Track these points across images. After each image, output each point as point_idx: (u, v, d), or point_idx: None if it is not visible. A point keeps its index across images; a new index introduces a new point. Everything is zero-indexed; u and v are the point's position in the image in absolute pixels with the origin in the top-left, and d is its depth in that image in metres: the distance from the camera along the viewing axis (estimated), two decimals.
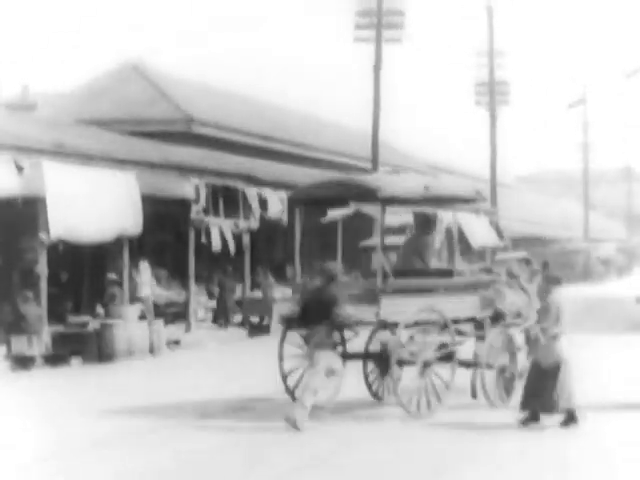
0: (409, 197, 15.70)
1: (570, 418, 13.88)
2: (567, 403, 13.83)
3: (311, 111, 49.72)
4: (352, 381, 15.48)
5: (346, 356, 15.37)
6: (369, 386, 16.16)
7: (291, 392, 15.24)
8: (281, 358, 15.37)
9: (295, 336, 15.10)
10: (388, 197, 15.26)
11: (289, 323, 15.49)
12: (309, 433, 13.76)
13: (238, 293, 29.90)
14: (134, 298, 24.89)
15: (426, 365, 14.81)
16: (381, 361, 15.64)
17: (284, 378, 15.35)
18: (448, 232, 42.49)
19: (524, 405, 14.04)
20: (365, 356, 15.97)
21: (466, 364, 15.47)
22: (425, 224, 16.75)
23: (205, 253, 27.52)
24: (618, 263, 72.69)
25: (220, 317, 28.64)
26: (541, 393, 13.83)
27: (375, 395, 16.15)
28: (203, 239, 26.61)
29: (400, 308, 14.69)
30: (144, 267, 25.50)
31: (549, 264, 25.11)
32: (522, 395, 14.10)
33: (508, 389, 15.55)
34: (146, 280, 25.39)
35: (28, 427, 14.38)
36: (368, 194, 15.21)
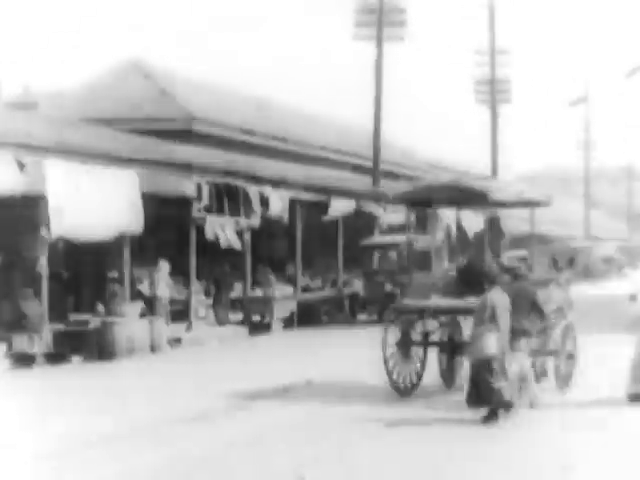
0: (510, 201, 17.80)
1: (493, 414, 14.07)
2: (499, 398, 14.06)
3: (313, 109, 49.73)
4: None
5: (429, 345, 17.02)
6: (444, 372, 17.36)
7: (390, 375, 16.34)
8: (385, 345, 16.41)
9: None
10: (496, 201, 17.22)
11: (399, 314, 16.88)
12: (310, 432, 13.81)
13: (238, 291, 29.91)
14: (154, 297, 25.40)
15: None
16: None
17: (386, 362, 16.35)
18: (449, 230, 42.78)
19: (468, 402, 14.32)
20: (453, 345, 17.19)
21: (549, 352, 16.30)
22: (491, 224, 18.50)
23: (206, 251, 27.53)
24: (619, 262, 72.71)
25: (216, 314, 28.73)
26: (480, 388, 14.11)
27: (446, 381, 17.31)
28: (209, 235, 26.63)
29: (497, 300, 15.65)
30: (163, 266, 25.77)
31: (575, 260, 25.58)
32: (466, 392, 14.44)
33: (570, 373, 16.44)
34: (164, 279, 25.73)
35: (29, 425, 14.38)
36: (478, 197, 17.09)
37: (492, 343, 14.11)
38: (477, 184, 17.66)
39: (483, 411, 14.20)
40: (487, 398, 14.13)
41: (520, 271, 16.17)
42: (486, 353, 14.11)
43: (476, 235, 18.73)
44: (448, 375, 17.36)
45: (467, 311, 15.90)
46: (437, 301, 16.75)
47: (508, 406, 14.23)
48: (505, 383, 14.14)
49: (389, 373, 16.43)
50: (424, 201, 18.76)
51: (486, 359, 14.10)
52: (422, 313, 16.82)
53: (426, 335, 17.07)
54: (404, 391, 16.53)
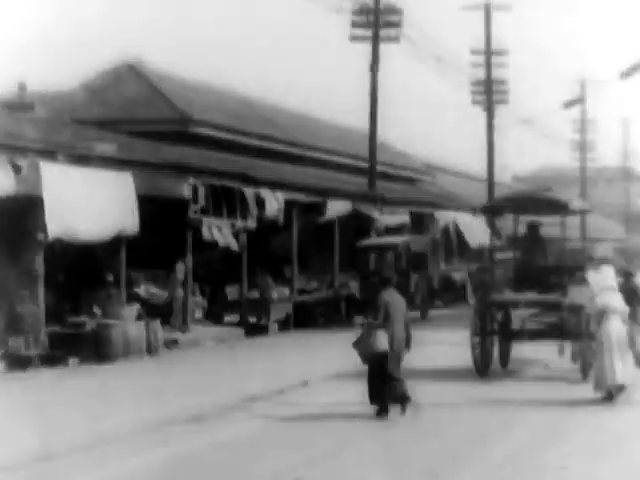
0: (582, 209, 22.30)
1: (403, 407, 14.67)
2: (400, 392, 14.67)
3: (309, 111, 49.71)
4: None
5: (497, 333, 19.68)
6: (502, 355, 19.95)
7: (476, 360, 18.88)
8: (474, 334, 19.08)
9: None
10: (576, 210, 21.50)
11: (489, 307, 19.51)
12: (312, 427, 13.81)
13: (235, 293, 29.91)
14: (173, 297, 26.13)
15: (591, 338, 17.70)
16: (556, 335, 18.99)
17: (473, 349, 18.96)
18: (445, 232, 42.82)
19: (370, 398, 14.83)
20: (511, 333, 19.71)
21: None
22: (536, 228, 20.80)
23: (202, 253, 27.54)
24: (616, 263, 72.64)
25: (213, 315, 28.91)
26: (380, 384, 14.71)
27: (503, 362, 19.96)
28: (206, 236, 26.65)
29: (577, 294, 18.68)
30: (180, 268, 26.04)
31: (593, 259, 27.94)
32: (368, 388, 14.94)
33: None
34: (181, 280, 26.13)
35: (25, 427, 14.37)
36: (559, 207, 20.34)
37: (383, 340, 14.61)
38: (556, 195, 21.20)
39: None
40: (380, 395, 14.67)
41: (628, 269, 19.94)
42: (377, 349, 14.59)
43: (520, 238, 21.76)
44: (504, 357, 19.98)
45: (553, 305, 19.01)
46: (529, 295, 19.37)
47: (405, 401, 14.67)
48: (399, 379, 14.70)
49: (475, 358, 18.94)
50: (507, 210, 21.81)
51: (377, 357, 14.58)
52: (505, 306, 19.60)
53: (501, 325, 19.73)
54: (483, 372, 18.95)
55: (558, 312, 18.96)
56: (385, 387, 14.64)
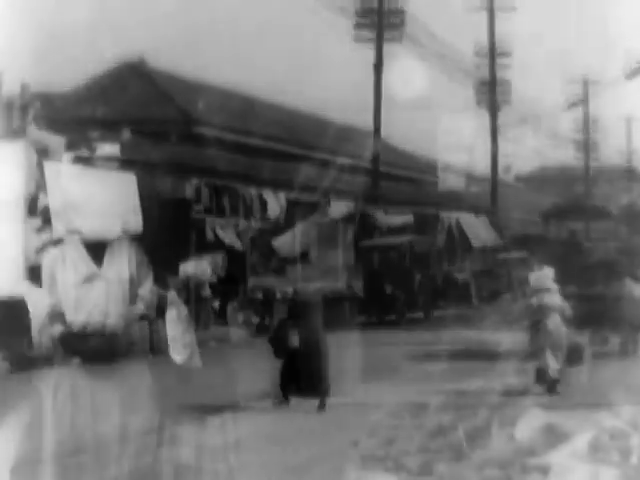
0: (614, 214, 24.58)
1: (322, 403, 15.22)
2: (318, 388, 15.25)
3: (312, 110, 49.65)
4: None
5: None
6: None
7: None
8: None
9: None
10: (615, 215, 24.23)
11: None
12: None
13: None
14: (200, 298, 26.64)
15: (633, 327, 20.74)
16: None
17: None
18: (448, 232, 42.84)
19: (281, 387, 15.56)
20: None
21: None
22: (575, 232, 23.12)
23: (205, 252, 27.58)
24: (619, 263, 72.55)
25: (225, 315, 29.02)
26: (292, 377, 15.39)
27: None
28: (209, 235, 26.74)
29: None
30: (207, 268, 26.32)
31: None
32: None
33: None
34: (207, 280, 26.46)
35: (27, 428, 14.36)
36: (602, 213, 24.09)
37: (294, 338, 15.14)
38: (599, 203, 23.69)
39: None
40: (307, 387, 15.35)
41: None
42: (289, 345, 15.16)
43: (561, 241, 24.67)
44: None
45: (595, 297, 21.01)
46: (571, 289, 20.25)
47: (324, 398, 15.17)
48: (321, 376, 15.25)
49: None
50: (565, 215, 24.32)
51: (291, 352, 15.16)
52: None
53: None
54: None
55: (599, 303, 20.51)
56: (293, 381, 15.16)
